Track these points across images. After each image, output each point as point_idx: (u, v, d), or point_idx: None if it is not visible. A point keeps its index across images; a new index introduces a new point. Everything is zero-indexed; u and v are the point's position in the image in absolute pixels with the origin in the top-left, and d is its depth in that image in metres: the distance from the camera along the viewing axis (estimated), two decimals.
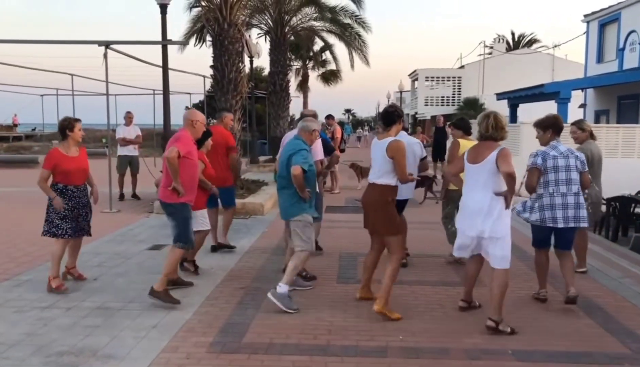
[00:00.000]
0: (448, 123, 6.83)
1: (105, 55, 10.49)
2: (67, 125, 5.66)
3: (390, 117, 5.00)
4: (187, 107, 29.46)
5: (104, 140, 11.35)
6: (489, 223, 4.52)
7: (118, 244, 7.74)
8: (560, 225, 5.10)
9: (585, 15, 23.07)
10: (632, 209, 9.59)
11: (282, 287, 5.05)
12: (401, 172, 4.87)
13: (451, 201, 6.57)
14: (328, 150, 6.88)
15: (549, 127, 5.32)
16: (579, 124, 6.56)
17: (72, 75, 15.96)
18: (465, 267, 5.23)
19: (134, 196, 12.04)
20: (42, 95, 21.06)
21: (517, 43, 53.11)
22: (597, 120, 21.17)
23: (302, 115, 6.40)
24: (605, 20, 21.86)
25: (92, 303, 5.27)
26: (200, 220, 6.16)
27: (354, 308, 5.18)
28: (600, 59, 22.22)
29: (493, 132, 4.60)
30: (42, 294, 5.44)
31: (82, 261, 6.78)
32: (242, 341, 4.40)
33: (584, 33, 23.57)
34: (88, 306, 5.20)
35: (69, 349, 4.20)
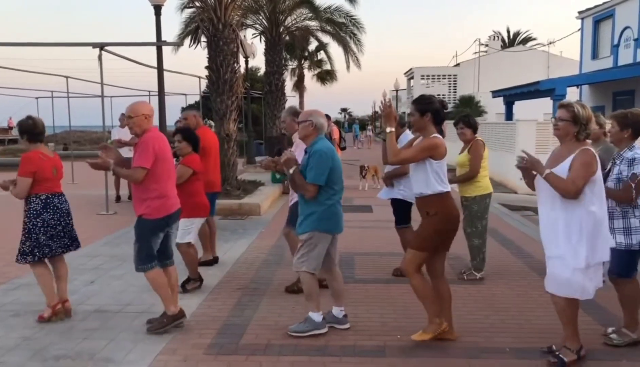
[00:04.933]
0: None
1: (100, 57, 10.47)
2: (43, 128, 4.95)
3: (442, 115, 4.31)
4: (183, 109, 29.36)
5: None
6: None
7: (114, 247, 7.72)
8: None
9: (580, 12, 23.13)
10: None
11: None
12: None
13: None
14: None
15: (630, 127, 4.22)
16: (598, 118, 5.53)
17: (67, 77, 15.89)
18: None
19: (131, 197, 12.00)
20: (37, 98, 20.96)
21: (513, 40, 53.20)
22: None
23: (297, 113, 5.51)
24: (599, 17, 21.90)
25: (89, 306, 5.25)
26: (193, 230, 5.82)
27: (352, 308, 5.16)
28: (595, 55, 22.27)
29: None
30: (39, 297, 5.40)
31: (78, 264, 6.75)
32: (240, 342, 4.39)
33: (579, 30, 23.63)
34: (85, 309, 5.18)
35: (66, 353, 4.18)
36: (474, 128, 6.17)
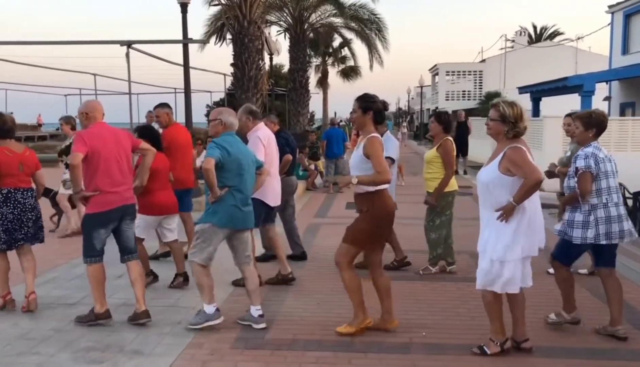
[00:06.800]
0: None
1: (127, 55, 10.63)
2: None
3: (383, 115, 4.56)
4: (208, 106, 29.52)
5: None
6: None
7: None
8: (615, 241, 4.36)
9: (610, 6, 22.64)
10: None
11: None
12: None
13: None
14: (283, 152, 6.29)
15: (594, 126, 4.43)
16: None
17: (94, 75, 16.23)
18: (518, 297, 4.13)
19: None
20: (65, 96, 21.42)
21: (539, 36, 52.39)
22: (622, 113, 20.81)
23: (252, 111, 5.81)
24: (630, 11, 21.42)
25: (117, 300, 5.34)
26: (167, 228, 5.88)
27: (376, 304, 5.16)
28: (625, 50, 21.79)
29: None
30: (69, 291, 5.54)
31: (108, 258, 6.86)
32: (266, 337, 4.43)
33: (609, 24, 23.15)
34: (113, 302, 5.27)
35: (95, 345, 4.28)
36: (445, 125, 6.08)
